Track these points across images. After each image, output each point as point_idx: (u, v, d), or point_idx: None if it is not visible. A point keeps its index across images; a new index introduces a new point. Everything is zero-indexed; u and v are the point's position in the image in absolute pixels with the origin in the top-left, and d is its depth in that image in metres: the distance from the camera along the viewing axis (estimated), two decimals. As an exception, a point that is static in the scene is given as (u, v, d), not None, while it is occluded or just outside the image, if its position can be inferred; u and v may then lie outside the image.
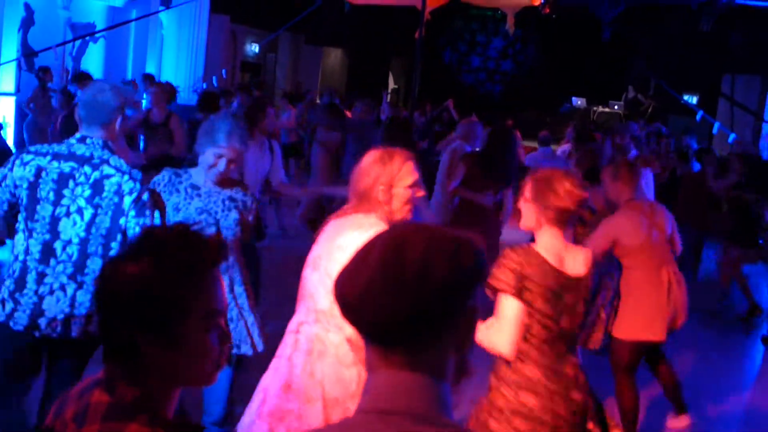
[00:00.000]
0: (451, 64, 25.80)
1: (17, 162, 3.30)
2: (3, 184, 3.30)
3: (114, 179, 3.24)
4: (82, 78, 8.58)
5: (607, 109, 20.94)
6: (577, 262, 3.09)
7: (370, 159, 3.16)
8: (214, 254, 1.49)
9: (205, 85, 14.37)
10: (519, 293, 2.94)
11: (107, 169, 3.25)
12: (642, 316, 4.58)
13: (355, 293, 1.29)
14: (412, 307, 1.25)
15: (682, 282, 4.70)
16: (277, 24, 15.86)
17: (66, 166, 3.24)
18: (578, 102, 21.16)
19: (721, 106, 18.51)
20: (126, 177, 3.26)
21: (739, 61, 18.23)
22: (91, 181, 3.23)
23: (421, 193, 3.21)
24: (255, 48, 21.06)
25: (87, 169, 3.24)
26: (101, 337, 1.50)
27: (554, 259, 3.03)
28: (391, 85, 25.93)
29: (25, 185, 3.26)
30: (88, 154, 3.26)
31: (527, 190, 3.09)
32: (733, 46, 18.27)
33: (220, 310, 1.51)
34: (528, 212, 3.09)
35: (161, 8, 14.26)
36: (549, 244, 3.06)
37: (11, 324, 3.27)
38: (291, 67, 22.49)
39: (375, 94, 16.13)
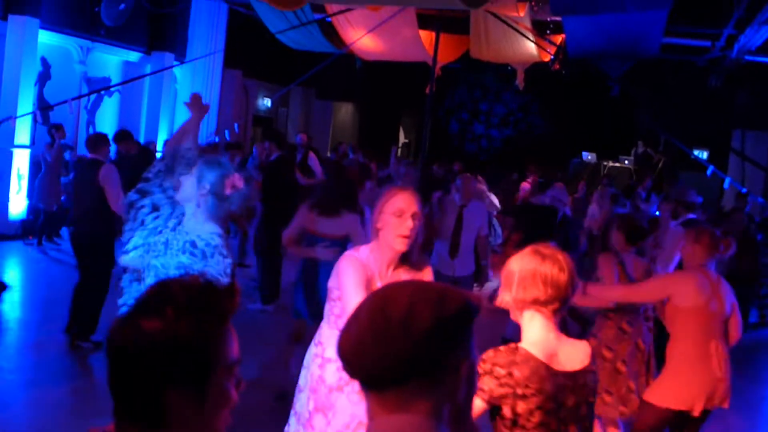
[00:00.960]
0: (455, 134, 25.87)
1: None
2: None
3: None
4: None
5: (617, 164, 20.97)
6: (573, 355, 2.64)
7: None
8: (233, 303, 1.49)
9: (217, 139, 14.52)
10: (501, 402, 2.51)
11: None
12: (681, 384, 4.36)
13: (349, 348, 1.45)
14: (398, 356, 1.39)
15: (728, 362, 4.46)
16: (288, 79, 16.07)
17: None
18: (588, 157, 21.22)
19: (731, 162, 18.55)
20: None
21: (746, 118, 18.33)
22: None
23: (409, 225, 3.37)
24: (267, 102, 21.31)
25: None
26: (116, 398, 1.42)
27: (548, 355, 2.57)
28: (402, 139, 26.11)
29: None
30: None
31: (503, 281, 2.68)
32: (740, 102, 18.39)
33: (239, 359, 1.50)
34: (509, 301, 2.66)
35: (176, 63, 14.50)
36: (537, 335, 2.61)
37: None
38: (302, 121, 22.72)
39: (386, 147, 16.26)
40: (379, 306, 1.45)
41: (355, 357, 1.44)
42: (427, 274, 3.58)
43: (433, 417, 1.41)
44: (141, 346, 1.38)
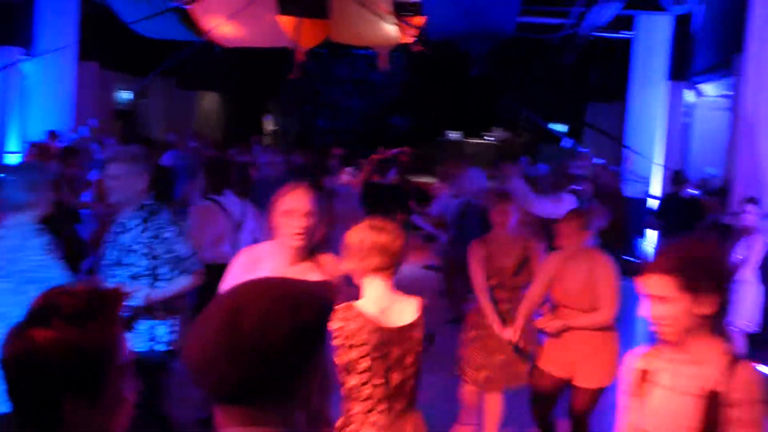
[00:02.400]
0: (317, 77, 25.54)
1: None
2: None
3: None
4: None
5: (480, 142, 21.57)
6: (404, 311, 3.07)
7: None
8: (120, 306, 1.50)
9: (75, 136, 13.95)
10: (337, 351, 2.93)
11: None
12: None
13: (197, 360, 1.34)
14: (249, 372, 1.31)
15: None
16: (148, 69, 15.61)
17: None
18: (453, 135, 21.72)
19: (586, 134, 19.40)
20: None
21: (598, 92, 19.23)
22: None
23: (301, 224, 3.41)
24: (127, 95, 20.63)
25: None
26: (15, 406, 1.44)
27: (377, 312, 3.00)
28: (269, 126, 25.87)
29: None
30: None
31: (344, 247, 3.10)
32: (592, 77, 19.27)
33: (129, 360, 1.53)
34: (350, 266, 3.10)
35: (22, 57, 13.75)
36: (374, 295, 3.04)
37: None
38: (165, 112, 22.12)
39: (253, 136, 16.08)
40: (230, 315, 1.34)
41: (203, 370, 1.34)
42: (330, 265, 3.56)
43: (283, 428, 1.35)
44: (34, 356, 1.40)
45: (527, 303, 4.95)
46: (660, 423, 2.37)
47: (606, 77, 18.68)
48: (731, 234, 7.48)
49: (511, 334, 4.97)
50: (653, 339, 2.52)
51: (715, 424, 2.25)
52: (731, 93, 10.81)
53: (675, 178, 9.46)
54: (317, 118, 25.47)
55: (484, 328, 5.16)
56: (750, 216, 7.15)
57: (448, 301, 8.72)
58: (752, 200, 7.27)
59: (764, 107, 7.92)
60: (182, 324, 4.15)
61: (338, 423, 2.98)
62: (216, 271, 3.88)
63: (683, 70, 13.16)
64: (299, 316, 1.33)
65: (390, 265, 3.05)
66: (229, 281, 3.40)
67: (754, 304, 7.16)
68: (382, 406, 2.96)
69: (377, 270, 3.03)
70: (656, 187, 13.15)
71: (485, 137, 21.74)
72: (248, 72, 21.78)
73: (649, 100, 14.41)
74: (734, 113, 9.88)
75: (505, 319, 5.11)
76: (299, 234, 3.45)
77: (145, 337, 3.98)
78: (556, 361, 4.77)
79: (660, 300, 2.32)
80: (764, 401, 2.25)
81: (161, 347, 4.05)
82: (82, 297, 1.45)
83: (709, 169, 13.25)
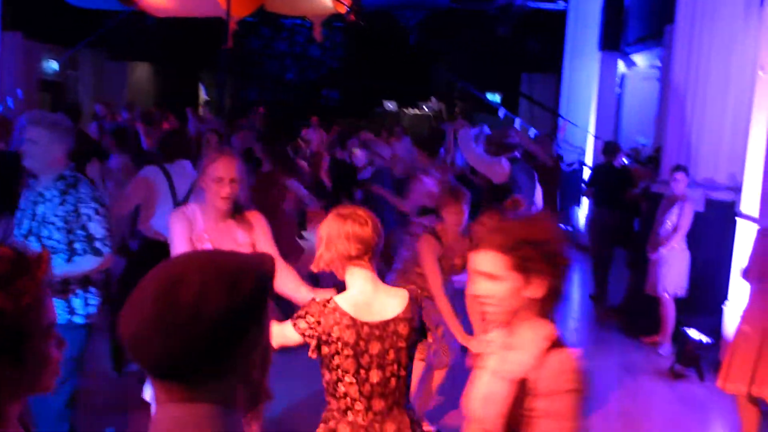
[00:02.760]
0: (255, 51, 25.29)
1: None
2: None
3: None
4: None
5: (417, 112, 21.60)
6: (388, 304, 2.93)
7: None
8: (43, 269, 1.50)
9: (0, 107, 13.49)
10: (315, 344, 2.85)
11: None
12: None
13: (131, 333, 1.31)
14: (187, 346, 1.27)
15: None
16: (76, 39, 15.15)
17: None
18: (389, 105, 21.69)
19: (522, 104, 19.57)
20: None
21: (533, 62, 19.39)
22: None
23: (227, 190, 3.77)
24: (54, 65, 20.00)
25: None
26: None
27: (356, 306, 2.88)
28: (203, 97, 25.45)
29: None
30: None
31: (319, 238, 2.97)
32: (528, 48, 19.41)
33: (55, 321, 1.55)
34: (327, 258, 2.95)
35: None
36: (356, 288, 2.92)
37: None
38: (95, 84, 21.53)
39: (186, 107, 15.74)
40: (166, 287, 1.30)
41: (139, 344, 1.29)
42: (257, 221, 3.99)
43: (222, 404, 1.32)
44: None
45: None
46: (478, 408, 2.27)
47: (541, 48, 18.85)
48: (661, 202, 7.65)
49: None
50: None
51: (520, 413, 2.11)
52: (661, 64, 11.00)
53: (606, 147, 9.60)
54: (251, 90, 25.18)
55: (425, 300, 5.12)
56: (679, 184, 7.31)
57: None
58: (681, 168, 7.42)
59: (693, 78, 8.07)
60: (99, 298, 4.08)
61: (322, 415, 2.92)
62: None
63: (615, 40, 13.32)
64: (237, 289, 1.30)
65: (365, 252, 2.92)
66: (177, 245, 3.78)
67: (683, 270, 7.34)
68: (359, 405, 2.85)
69: (354, 259, 2.91)
70: (590, 156, 13.35)
71: (423, 107, 21.76)
72: (180, 42, 21.33)
73: (583, 70, 14.58)
74: (664, 83, 10.06)
75: None
76: (225, 198, 3.81)
77: (63, 309, 3.91)
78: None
79: (488, 278, 2.17)
80: (576, 391, 2.07)
81: (79, 320, 3.98)
82: (5, 259, 1.46)
83: (640, 138, 13.51)
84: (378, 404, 2.87)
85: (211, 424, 1.29)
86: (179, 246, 3.78)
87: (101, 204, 3.99)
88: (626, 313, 8.48)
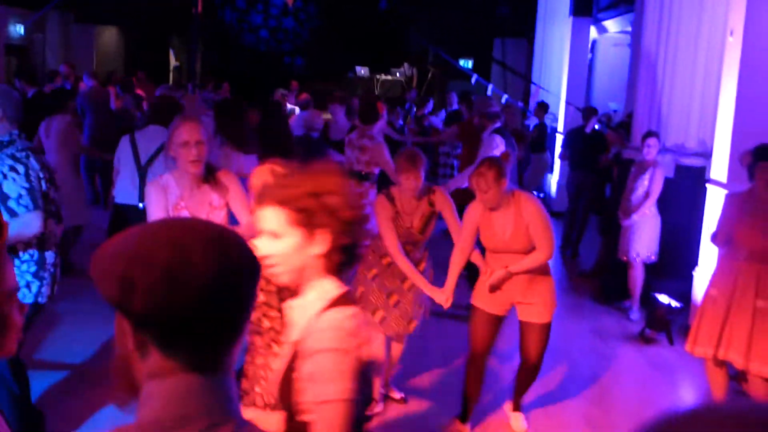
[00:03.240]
0: (231, 24, 25.34)
1: None
2: None
3: None
4: None
5: (389, 77, 21.49)
6: None
7: None
8: (2, 235, 1.51)
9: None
10: None
11: None
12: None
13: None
14: (199, 305, 1.20)
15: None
16: (42, 2, 14.85)
17: None
18: (362, 71, 21.55)
19: (494, 70, 19.54)
20: None
21: (506, 27, 19.32)
22: None
23: (194, 152, 3.87)
24: (19, 29, 19.60)
25: None
26: None
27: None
28: (173, 62, 25.12)
29: None
30: None
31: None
32: (500, 13, 19.33)
33: (16, 286, 1.59)
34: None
35: None
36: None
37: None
38: (62, 48, 21.14)
39: (156, 73, 15.54)
40: (178, 252, 1.22)
41: (150, 299, 1.21)
42: (231, 182, 4.09)
43: (222, 372, 1.27)
44: None
45: (456, 259, 4.81)
46: (272, 378, 2.18)
47: (513, 13, 18.78)
48: (632, 168, 7.70)
49: (443, 298, 4.78)
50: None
51: (290, 377, 1.96)
52: (632, 29, 11.02)
53: (585, 113, 9.65)
54: (221, 59, 25.07)
55: (381, 267, 5.07)
56: (650, 150, 7.36)
57: None
58: (652, 134, 7.47)
59: (663, 43, 8.09)
60: (36, 266, 3.98)
61: (245, 358, 2.99)
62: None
63: (587, 6, 13.31)
64: (228, 254, 1.24)
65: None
66: (153, 214, 3.91)
67: (654, 236, 7.42)
68: (283, 339, 2.82)
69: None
70: (562, 122, 13.39)
71: (395, 73, 21.64)
72: (150, 6, 20.99)
73: (555, 36, 14.57)
74: (635, 49, 10.08)
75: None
76: (194, 161, 3.92)
77: None
78: (494, 300, 4.74)
79: (271, 235, 2.01)
80: (337, 351, 1.87)
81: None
82: None
83: (612, 104, 13.56)
84: None
85: (215, 392, 1.25)
86: (155, 215, 3.89)
87: (19, 161, 3.85)
88: (598, 277, 8.58)
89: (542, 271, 4.70)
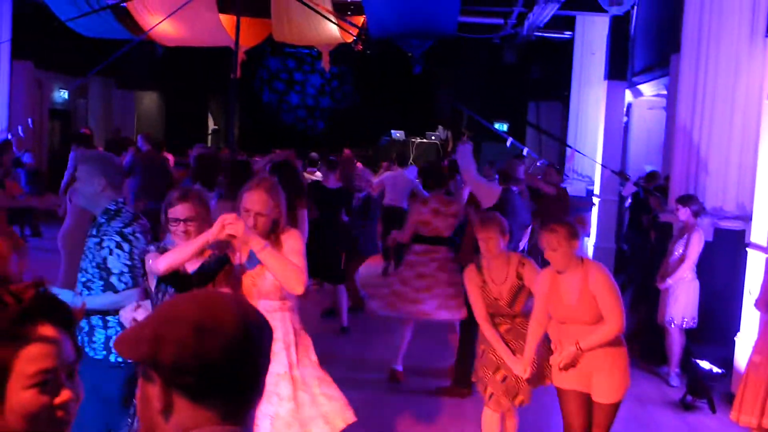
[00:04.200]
0: (270, 103, 25.99)
1: None
2: None
3: None
4: None
5: (425, 140, 21.66)
6: None
7: None
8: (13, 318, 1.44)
9: (9, 136, 13.56)
10: None
11: None
12: None
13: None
14: (227, 355, 1.31)
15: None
16: (85, 68, 15.25)
17: None
18: (397, 134, 21.75)
19: (529, 133, 19.59)
20: None
21: (539, 90, 19.43)
22: None
23: (251, 222, 3.76)
24: (64, 94, 20.15)
25: None
26: None
27: None
28: (211, 125, 25.59)
29: None
30: None
31: None
32: (533, 76, 19.46)
33: (52, 367, 1.47)
34: None
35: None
36: None
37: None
38: (103, 112, 21.67)
39: (194, 135, 15.80)
40: (208, 311, 1.36)
41: (200, 359, 1.33)
42: (290, 239, 3.92)
43: (243, 426, 1.36)
44: None
45: (533, 330, 4.68)
46: None
47: (547, 76, 18.90)
48: (672, 232, 7.61)
49: (521, 370, 4.74)
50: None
51: None
52: (667, 92, 11.01)
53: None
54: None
55: (487, 343, 5.00)
56: (683, 214, 7.26)
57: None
58: (683, 201, 7.36)
59: (699, 106, 8.07)
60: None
61: None
62: None
63: (622, 69, 13.35)
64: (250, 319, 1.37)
65: None
66: None
67: (693, 300, 7.28)
68: None
69: None
70: (598, 185, 13.33)
71: (430, 136, 21.81)
72: (189, 71, 21.49)
73: (590, 99, 14.60)
74: (670, 112, 10.06)
75: (507, 342, 4.94)
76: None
77: (99, 345, 3.93)
78: (572, 377, 4.49)
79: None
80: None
81: (111, 357, 3.94)
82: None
83: (647, 167, 13.49)
84: None
85: None
86: None
87: (125, 238, 3.91)
88: (638, 342, 8.41)
89: (617, 346, 4.43)
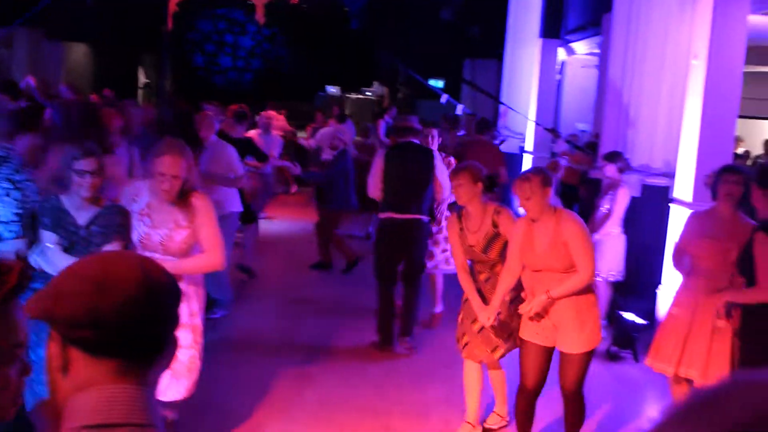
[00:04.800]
0: (201, 66, 25.64)
1: None
2: None
3: None
4: None
5: (360, 96, 21.61)
6: None
7: None
8: (14, 281, 1.40)
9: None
10: None
11: None
12: None
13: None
14: (125, 312, 1.28)
15: None
16: (11, 17, 14.71)
17: None
18: (332, 90, 21.65)
19: (464, 90, 19.68)
20: None
21: (475, 48, 19.51)
22: None
23: (166, 185, 3.98)
24: (-14, 45, 19.42)
25: None
26: None
27: None
28: (143, 80, 25.04)
29: None
30: None
31: None
32: (469, 34, 19.51)
33: (22, 342, 1.44)
34: None
35: None
36: None
37: None
38: (30, 64, 20.95)
39: (125, 90, 15.44)
40: (143, 271, 1.33)
41: (119, 317, 1.30)
42: (201, 206, 4.11)
43: (150, 385, 1.35)
44: None
45: (503, 279, 4.68)
46: None
47: (483, 34, 18.97)
48: (598, 187, 7.79)
49: (485, 318, 4.75)
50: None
51: None
52: (600, 51, 11.19)
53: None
54: (191, 77, 25.27)
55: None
56: (610, 171, 7.43)
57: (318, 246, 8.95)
58: (609, 157, 7.52)
59: (629, 65, 8.23)
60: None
61: None
62: None
63: (555, 28, 13.49)
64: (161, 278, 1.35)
65: None
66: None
67: (619, 255, 7.49)
68: None
69: None
70: (530, 142, 13.52)
71: (365, 93, 21.76)
72: (120, 23, 20.93)
73: (524, 57, 14.73)
74: (602, 71, 10.24)
75: (484, 295, 4.94)
76: (165, 191, 4.01)
77: None
78: (536, 329, 4.50)
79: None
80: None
81: None
82: None
83: (580, 124, 13.72)
84: None
85: (140, 404, 1.30)
86: None
87: (15, 186, 3.78)
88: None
89: (587, 294, 4.46)
